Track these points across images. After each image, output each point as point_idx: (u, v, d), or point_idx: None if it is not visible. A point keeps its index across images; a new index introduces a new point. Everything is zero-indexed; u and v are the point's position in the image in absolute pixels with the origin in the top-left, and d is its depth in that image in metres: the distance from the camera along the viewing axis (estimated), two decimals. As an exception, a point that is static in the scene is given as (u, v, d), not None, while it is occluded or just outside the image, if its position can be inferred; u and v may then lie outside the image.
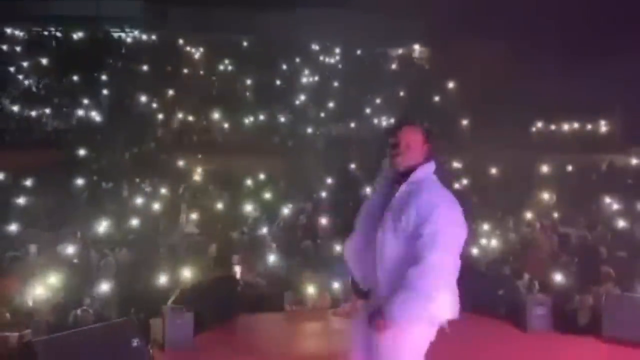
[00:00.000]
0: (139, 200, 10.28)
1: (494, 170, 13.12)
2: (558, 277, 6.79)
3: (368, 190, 11.17)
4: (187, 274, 6.53)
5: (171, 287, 6.29)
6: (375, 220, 2.97)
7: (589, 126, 15.88)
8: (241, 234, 9.04)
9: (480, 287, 6.35)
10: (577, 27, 12.57)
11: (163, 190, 11.10)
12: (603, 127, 15.77)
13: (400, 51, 19.85)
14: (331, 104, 16.65)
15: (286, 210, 9.77)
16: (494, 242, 8.86)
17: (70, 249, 7.60)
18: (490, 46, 15.03)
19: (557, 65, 13.37)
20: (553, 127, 15.91)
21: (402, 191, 2.93)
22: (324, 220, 9.12)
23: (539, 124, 15.86)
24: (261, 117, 15.61)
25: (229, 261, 7.37)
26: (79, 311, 5.79)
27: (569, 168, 13.30)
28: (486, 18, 13.68)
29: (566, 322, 6.11)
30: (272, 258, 7.32)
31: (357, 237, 3.08)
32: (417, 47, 19.79)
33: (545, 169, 13.03)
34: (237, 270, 7.02)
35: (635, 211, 10.23)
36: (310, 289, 6.62)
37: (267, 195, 10.98)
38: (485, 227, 9.62)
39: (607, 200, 10.90)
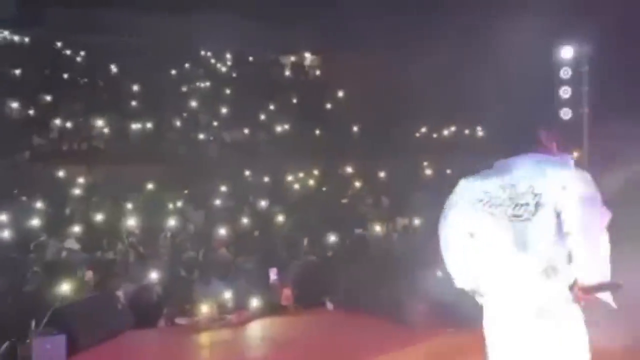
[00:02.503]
0: (5, 216, 9.44)
1: (382, 174, 13.72)
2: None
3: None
4: (63, 292, 6.10)
5: (43, 308, 5.82)
6: None
7: (467, 131, 17.14)
8: (127, 247, 8.62)
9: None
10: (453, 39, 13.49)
11: (39, 204, 10.31)
12: (479, 132, 17.12)
13: (292, 58, 20.13)
14: (224, 110, 16.47)
15: (172, 222, 9.46)
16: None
17: None
18: (375, 55, 15.70)
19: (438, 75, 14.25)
20: (435, 133, 16.97)
21: None
22: (220, 230, 8.97)
23: (423, 130, 16.88)
24: (149, 124, 15.04)
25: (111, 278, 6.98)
26: None
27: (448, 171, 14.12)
28: (370, 27, 14.29)
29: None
30: (155, 272, 7.02)
31: None
32: (308, 54, 20.20)
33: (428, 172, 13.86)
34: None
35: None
36: (201, 301, 6.47)
37: (154, 206, 10.58)
38: (377, 229, 10.06)
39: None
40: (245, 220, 10.13)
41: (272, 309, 6.71)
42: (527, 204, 2.90)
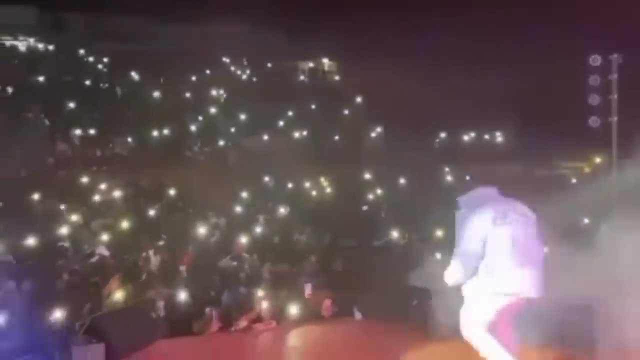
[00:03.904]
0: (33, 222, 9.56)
1: (402, 180, 13.68)
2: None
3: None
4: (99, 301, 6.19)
5: (80, 317, 5.91)
6: None
7: (486, 137, 17.07)
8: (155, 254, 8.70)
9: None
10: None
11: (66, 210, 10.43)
12: (499, 138, 17.04)
13: (310, 64, 20.21)
14: (243, 117, 16.59)
15: (201, 229, 9.53)
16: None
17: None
18: (396, 62, 15.68)
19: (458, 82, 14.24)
20: (454, 139, 16.91)
21: None
22: (241, 237, 9.02)
23: (442, 135, 16.84)
24: (168, 131, 15.16)
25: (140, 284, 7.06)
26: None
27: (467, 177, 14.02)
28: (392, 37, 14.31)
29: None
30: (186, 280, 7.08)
31: None
32: (326, 60, 20.26)
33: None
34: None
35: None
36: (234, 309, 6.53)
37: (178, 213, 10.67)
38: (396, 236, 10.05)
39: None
40: (264, 227, 10.19)
41: (311, 318, 6.75)
42: None
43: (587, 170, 13.78)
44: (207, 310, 6.53)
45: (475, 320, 4.39)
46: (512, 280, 4.25)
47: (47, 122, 14.33)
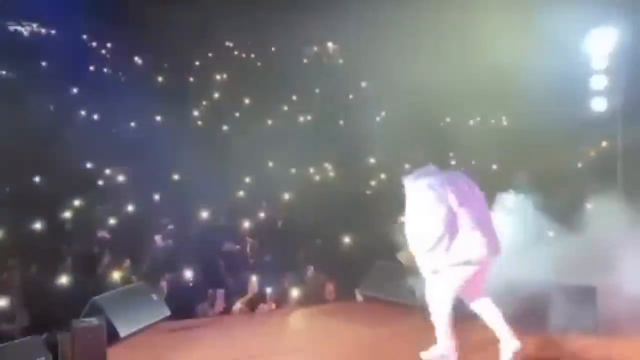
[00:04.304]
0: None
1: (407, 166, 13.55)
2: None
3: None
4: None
5: (83, 298, 5.94)
6: None
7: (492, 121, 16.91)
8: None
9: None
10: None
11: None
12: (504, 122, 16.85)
13: (315, 48, 20.03)
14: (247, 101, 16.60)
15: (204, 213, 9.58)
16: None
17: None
18: (399, 42, 15.44)
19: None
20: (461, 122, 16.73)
21: None
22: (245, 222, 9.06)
23: (448, 119, 16.69)
24: (175, 116, 15.14)
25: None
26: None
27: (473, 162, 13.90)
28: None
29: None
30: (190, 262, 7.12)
31: None
32: (330, 44, 20.08)
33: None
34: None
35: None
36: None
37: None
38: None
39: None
40: (267, 212, 10.21)
41: (313, 300, 6.78)
42: None
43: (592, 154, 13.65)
44: (210, 291, 6.57)
45: (440, 296, 4.47)
46: (469, 247, 4.34)
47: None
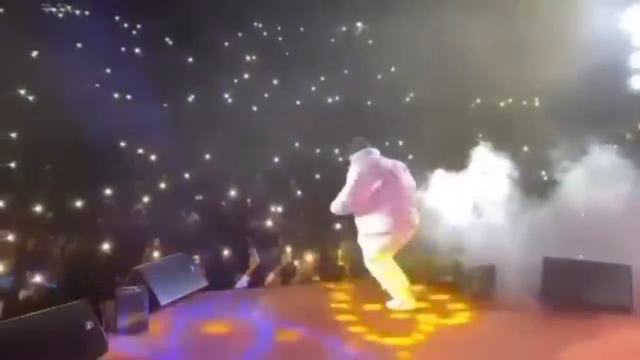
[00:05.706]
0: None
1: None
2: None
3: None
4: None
5: (126, 267, 6.17)
6: None
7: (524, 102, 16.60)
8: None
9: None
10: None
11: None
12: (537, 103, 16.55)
13: (343, 28, 19.90)
14: (275, 82, 16.63)
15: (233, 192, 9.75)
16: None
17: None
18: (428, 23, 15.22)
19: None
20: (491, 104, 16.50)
21: None
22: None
23: (478, 101, 16.48)
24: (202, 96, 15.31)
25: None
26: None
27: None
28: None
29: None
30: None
31: None
32: (359, 24, 19.92)
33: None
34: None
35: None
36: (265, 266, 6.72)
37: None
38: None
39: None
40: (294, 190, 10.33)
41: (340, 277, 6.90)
42: None
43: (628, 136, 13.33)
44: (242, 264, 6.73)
45: (367, 259, 5.56)
46: (379, 222, 5.35)
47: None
